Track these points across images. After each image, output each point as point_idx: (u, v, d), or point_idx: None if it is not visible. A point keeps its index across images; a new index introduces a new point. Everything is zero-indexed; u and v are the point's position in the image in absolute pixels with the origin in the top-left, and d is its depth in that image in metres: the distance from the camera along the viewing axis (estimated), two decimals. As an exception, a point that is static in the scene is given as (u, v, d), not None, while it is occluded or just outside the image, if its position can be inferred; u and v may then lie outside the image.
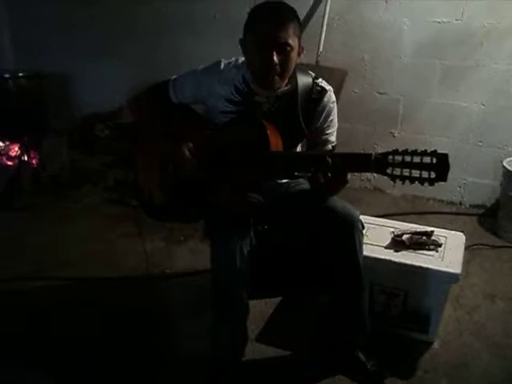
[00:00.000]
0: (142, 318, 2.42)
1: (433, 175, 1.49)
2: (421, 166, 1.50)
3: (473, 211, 3.67)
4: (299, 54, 1.85)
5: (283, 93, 1.91)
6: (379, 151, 1.58)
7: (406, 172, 1.52)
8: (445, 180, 1.49)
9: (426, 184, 1.51)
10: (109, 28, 4.56)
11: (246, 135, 1.84)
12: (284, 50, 1.76)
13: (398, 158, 1.53)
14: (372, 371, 2.05)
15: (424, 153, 1.50)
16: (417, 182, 1.52)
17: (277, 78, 1.81)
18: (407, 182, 1.53)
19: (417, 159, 1.51)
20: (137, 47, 4.50)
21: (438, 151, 1.50)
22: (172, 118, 2.02)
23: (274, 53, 1.75)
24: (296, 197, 2.05)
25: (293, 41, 1.77)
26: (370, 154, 1.57)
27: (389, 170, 1.54)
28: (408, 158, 1.52)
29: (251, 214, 1.88)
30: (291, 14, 1.80)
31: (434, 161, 1.49)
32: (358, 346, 2.09)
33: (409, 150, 1.52)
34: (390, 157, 1.54)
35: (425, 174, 1.50)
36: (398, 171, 1.53)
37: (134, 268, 2.80)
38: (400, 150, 1.54)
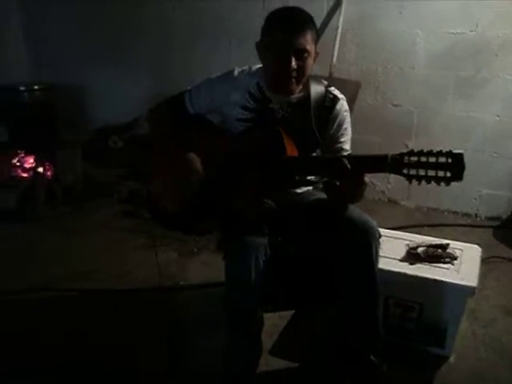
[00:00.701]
0: (154, 330, 2.40)
1: (448, 174, 1.51)
2: (436, 166, 1.51)
3: (488, 223, 3.64)
4: (314, 60, 1.88)
5: (296, 100, 1.93)
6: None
7: (422, 172, 1.53)
8: (461, 179, 1.50)
9: (442, 183, 1.53)
10: (121, 39, 4.62)
11: (262, 142, 1.85)
12: (302, 55, 1.79)
13: (414, 158, 1.54)
14: (385, 372, 2.02)
15: (439, 153, 1.51)
16: (433, 182, 1.53)
17: (293, 82, 1.84)
18: (423, 181, 1.54)
19: (432, 159, 1.52)
20: (150, 58, 4.55)
21: (454, 151, 1.51)
22: (188, 129, 2.03)
23: (293, 58, 1.78)
24: (311, 206, 2.04)
25: (310, 46, 1.80)
26: (387, 155, 1.59)
27: (405, 171, 1.56)
28: (424, 159, 1.53)
29: (265, 221, 1.87)
30: (309, 19, 1.84)
31: (450, 160, 1.50)
32: (371, 351, 2.06)
33: (424, 151, 1.53)
34: (406, 157, 1.55)
35: (440, 174, 1.51)
36: (413, 171, 1.55)
37: (146, 280, 2.79)
38: (415, 150, 1.54)
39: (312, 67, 1.87)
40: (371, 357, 2.03)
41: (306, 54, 1.80)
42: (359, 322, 2.02)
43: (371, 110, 3.84)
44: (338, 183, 1.70)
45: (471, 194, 3.70)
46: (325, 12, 3.80)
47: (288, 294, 2.51)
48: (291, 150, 1.81)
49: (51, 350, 2.27)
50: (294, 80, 1.83)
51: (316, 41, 1.85)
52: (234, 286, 1.81)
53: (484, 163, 3.59)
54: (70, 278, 2.83)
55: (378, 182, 3.88)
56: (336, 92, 1.98)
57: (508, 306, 2.63)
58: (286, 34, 1.78)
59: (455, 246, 2.35)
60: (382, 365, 2.03)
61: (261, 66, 1.94)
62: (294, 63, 1.79)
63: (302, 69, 1.82)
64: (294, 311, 2.54)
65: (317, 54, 1.88)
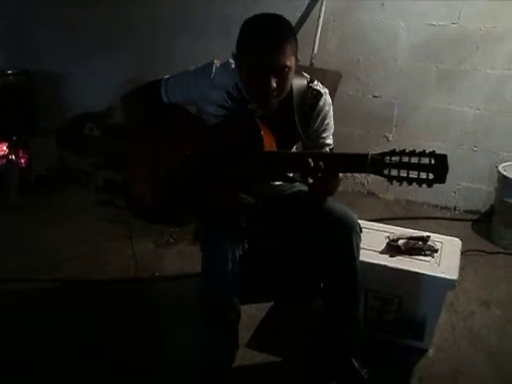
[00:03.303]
0: (129, 321, 2.37)
1: (431, 176, 1.45)
2: (419, 167, 1.46)
3: (467, 216, 3.64)
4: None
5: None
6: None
7: (403, 173, 1.48)
8: (443, 181, 1.45)
9: (424, 185, 1.47)
10: (102, 27, 4.51)
11: (239, 135, 1.80)
12: (282, 72, 1.69)
13: (396, 158, 1.49)
14: (366, 379, 1.99)
15: (422, 153, 1.46)
16: (414, 184, 1.47)
17: (273, 99, 1.75)
18: (405, 183, 1.48)
19: (415, 160, 1.46)
20: (130, 47, 4.46)
21: (437, 152, 1.46)
22: (163, 117, 1.97)
23: (272, 78, 1.68)
24: (290, 199, 2.01)
25: (290, 61, 1.69)
26: (367, 155, 1.53)
27: (386, 171, 1.50)
28: (406, 159, 1.47)
29: (242, 215, 1.83)
30: (287, 31, 1.72)
31: (433, 162, 1.45)
32: (351, 351, 2.04)
33: (406, 151, 1.48)
34: (388, 157, 1.49)
35: (423, 175, 1.46)
36: (395, 172, 1.49)
37: (122, 271, 2.76)
38: (397, 150, 1.49)
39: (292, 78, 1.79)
40: (352, 360, 2.02)
41: (286, 70, 1.69)
42: (339, 319, 1.99)
43: (352, 102, 3.81)
44: (310, 180, 1.65)
45: (450, 187, 3.69)
46: (306, 1, 3.75)
47: (266, 285, 2.49)
48: (269, 143, 1.76)
49: (26, 342, 2.23)
50: (274, 97, 1.74)
51: (296, 52, 1.73)
52: (209, 279, 1.77)
53: (464, 156, 3.59)
54: (44, 269, 2.78)
55: (358, 175, 3.85)
56: (319, 87, 1.90)
57: (487, 299, 2.64)
58: (264, 54, 1.66)
59: (435, 238, 2.33)
60: (363, 370, 2.01)
61: None
62: (273, 82, 1.68)
63: (282, 85, 1.72)
64: (271, 304, 2.51)
65: (297, 61, 1.77)
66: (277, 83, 1.70)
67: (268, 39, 1.66)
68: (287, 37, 1.69)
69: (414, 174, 1.47)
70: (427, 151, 1.46)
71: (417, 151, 1.47)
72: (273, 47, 1.66)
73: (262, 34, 1.68)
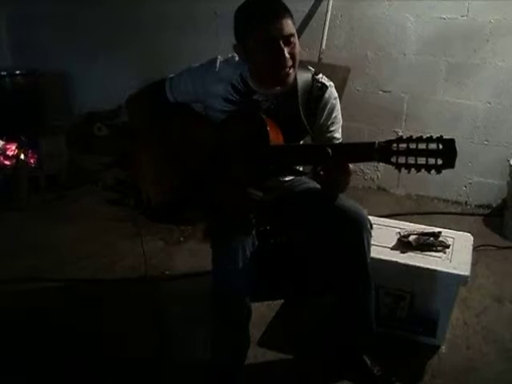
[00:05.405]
0: (140, 320, 2.37)
1: (440, 162, 1.43)
2: (427, 153, 1.44)
3: (479, 211, 3.62)
4: None
5: (283, 90, 1.84)
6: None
7: (411, 160, 1.46)
8: (453, 166, 1.43)
9: (432, 172, 1.45)
10: (109, 26, 4.51)
11: (245, 130, 1.79)
12: (290, 41, 1.71)
13: (403, 145, 1.47)
14: (378, 376, 1.98)
15: (430, 139, 1.44)
16: (423, 170, 1.45)
17: (290, 72, 1.75)
18: (413, 170, 1.46)
19: (422, 146, 1.45)
20: (137, 45, 4.46)
21: (445, 137, 1.44)
22: (169, 117, 1.97)
23: (284, 48, 1.69)
24: (301, 196, 2.00)
25: (294, 30, 1.73)
26: (374, 142, 1.52)
27: (393, 159, 1.48)
28: (413, 145, 1.46)
29: (252, 212, 1.82)
30: (282, 3, 1.75)
31: (441, 147, 1.43)
32: (363, 348, 2.03)
33: (413, 137, 1.46)
34: (395, 144, 1.48)
35: (431, 161, 1.44)
36: (403, 159, 1.47)
37: (132, 269, 2.75)
38: (404, 137, 1.48)
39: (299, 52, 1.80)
40: (364, 357, 2.01)
41: (292, 39, 1.71)
42: (351, 316, 2.00)
43: (360, 96, 3.80)
44: (322, 172, 1.64)
45: (461, 181, 3.67)
46: (314, -3, 3.74)
47: (277, 283, 2.48)
48: (275, 138, 1.75)
49: (37, 341, 2.23)
50: (290, 70, 1.75)
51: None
52: (220, 277, 1.77)
53: (474, 151, 3.57)
54: (54, 268, 2.78)
55: (368, 170, 3.86)
56: (324, 79, 1.90)
57: (499, 294, 2.62)
58: (271, 23, 1.67)
59: (447, 234, 2.32)
60: (375, 367, 2.00)
61: None
62: (286, 53, 1.70)
63: (293, 55, 1.73)
64: (282, 301, 2.50)
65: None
66: (288, 52, 1.71)
67: (273, 10, 1.70)
68: (284, 7, 1.74)
69: (422, 161, 1.45)
70: (434, 136, 1.44)
71: (424, 137, 1.45)
72: (279, 16, 1.69)
73: (265, 8, 1.71)
